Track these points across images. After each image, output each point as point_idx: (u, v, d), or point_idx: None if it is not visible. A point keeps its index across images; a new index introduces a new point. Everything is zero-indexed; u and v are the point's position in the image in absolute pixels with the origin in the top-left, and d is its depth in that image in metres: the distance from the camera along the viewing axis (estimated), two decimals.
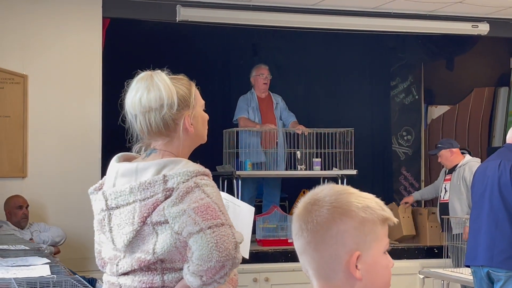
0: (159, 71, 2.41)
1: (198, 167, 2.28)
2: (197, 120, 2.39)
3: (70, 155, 6.22)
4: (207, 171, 2.31)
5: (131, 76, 2.49)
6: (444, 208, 6.69)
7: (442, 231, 6.44)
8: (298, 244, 1.51)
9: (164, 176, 2.24)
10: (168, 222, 2.21)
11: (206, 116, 2.44)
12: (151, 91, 2.32)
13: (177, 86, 2.36)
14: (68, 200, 5.99)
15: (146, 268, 2.26)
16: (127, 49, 7.83)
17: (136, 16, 6.82)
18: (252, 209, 2.73)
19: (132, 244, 2.28)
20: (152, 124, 2.32)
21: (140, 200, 2.25)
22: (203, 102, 2.43)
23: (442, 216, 6.63)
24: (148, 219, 2.24)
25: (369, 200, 1.50)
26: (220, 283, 2.19)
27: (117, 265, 2.32)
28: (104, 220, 2.33)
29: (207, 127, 2.45)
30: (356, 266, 1.46)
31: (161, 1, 6.74)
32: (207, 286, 2.18)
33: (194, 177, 2.23)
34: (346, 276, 1.47)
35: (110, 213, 2.31)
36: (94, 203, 2.38)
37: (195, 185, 2.21)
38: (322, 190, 1.52)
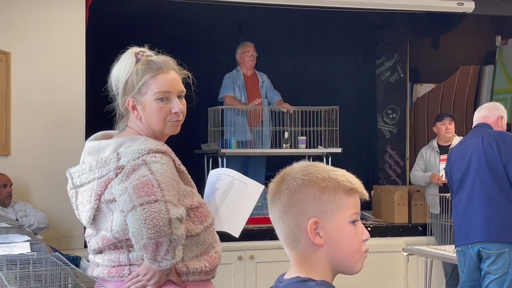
0: (142, 49, 2.39)
1: (151, 145, 2.25)
2: (144, 110, 2.34)
3: (54, 133, 6.18)
4: (163, 148, 2.28)
5: (115, 53, 2.47)
6: None
7: (441, 211, 6.37)
8: (271, 215, 1.60)
9: (118, 154, 2.25)
10: (116, 200, 2.22)
11: (160, 108, 2.33)
12: (118, 67, 2.37)
13: (135, 69, 2.34)
14: (52, 178, 5.96)
15: (113, 246, 2.27)
16: (111, 27, 7.77)
17: None
18: (260, 187, 2.68)
19: (97, 221, 2.30)
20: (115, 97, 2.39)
21: (97, 178, 2.27)
22: (160, 91, 2.32)
23: (429, 194, 6.62)
24: (102, 197, 2.25)
25: (334, 172, 1.56)
26: (169, 260, 2.17)
27: (89, 243, 2.36)
28: (72, 198, 2.36)
29: (165, 119, 2.34)
30: (319, 233, 1.52)
31: None
32: (159, 263, 2.17)
33: (145, 155, 2.22)
34: (309, 243, 1.54)
35: (76, 191, 2.34)
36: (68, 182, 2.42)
37: (142, 163, 2.20)
38: (293, 166, 1.60)
